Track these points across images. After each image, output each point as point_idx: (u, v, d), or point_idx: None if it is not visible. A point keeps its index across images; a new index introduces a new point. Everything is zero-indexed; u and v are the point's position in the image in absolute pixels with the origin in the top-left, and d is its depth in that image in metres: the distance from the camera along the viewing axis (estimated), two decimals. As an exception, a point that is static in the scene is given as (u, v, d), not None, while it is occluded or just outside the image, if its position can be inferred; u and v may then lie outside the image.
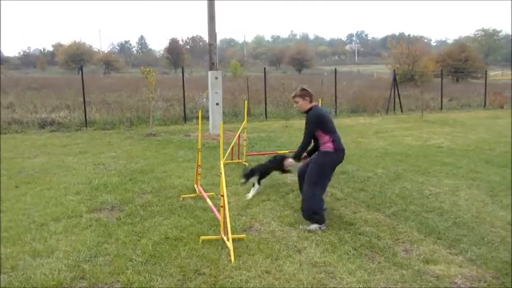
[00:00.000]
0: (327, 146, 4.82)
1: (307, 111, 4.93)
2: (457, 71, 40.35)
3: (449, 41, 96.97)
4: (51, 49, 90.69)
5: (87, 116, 13.91)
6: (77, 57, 67.77)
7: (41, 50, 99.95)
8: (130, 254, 4.02)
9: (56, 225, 4.78)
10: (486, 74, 25.59)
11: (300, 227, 4.73)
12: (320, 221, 4.69)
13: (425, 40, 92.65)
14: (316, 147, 5.01)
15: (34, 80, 32.58)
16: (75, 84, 22.26)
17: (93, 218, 5.03)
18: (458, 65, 41.24)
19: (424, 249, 4.17)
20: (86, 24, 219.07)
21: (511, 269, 3.74)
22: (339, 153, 4.86)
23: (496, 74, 50.24)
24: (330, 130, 4.85)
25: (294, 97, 5.01)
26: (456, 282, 3.54)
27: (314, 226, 4.68)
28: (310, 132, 4.88)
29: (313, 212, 4.69)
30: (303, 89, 4.97)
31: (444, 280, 3.57)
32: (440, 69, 26.57)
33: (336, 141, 4.83)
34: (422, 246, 4.24)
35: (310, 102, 4.96)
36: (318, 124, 4.84)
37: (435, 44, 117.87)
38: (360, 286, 3.47)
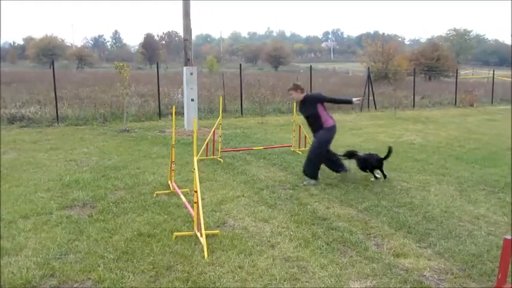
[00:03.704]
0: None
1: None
2: (429, 70, 41.29)
3: (422, 40, 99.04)
4: (21, 42, 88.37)
5: (58, 112, 13.57)
6: (48, 52, 66.18)
7: (10, 43, 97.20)
8: (102, 251, 3.97)
9: (24, 223, 4.67)
10: (457, 72, 26.26)
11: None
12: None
13: (399, 39, 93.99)
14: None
15: (3, 74, 31.61)
16: (46, 79, 21.68)
17: (63, 215, 4.93)
18: (431, 63, 42.15)
19: (395, 243, 4.26)
20: (58, 18, 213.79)
21: (476, 261, 3.86)
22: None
23: (467, 73, 51.60)
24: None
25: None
26: (425, 275, 3.64)
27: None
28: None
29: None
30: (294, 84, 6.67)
31: (413, 273, 3.66)
32: (413, 67, 27.07)
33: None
34: (392, 240, 4.33)
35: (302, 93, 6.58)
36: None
37: (409, 42, 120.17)
38: (332, 280, 3.52)
